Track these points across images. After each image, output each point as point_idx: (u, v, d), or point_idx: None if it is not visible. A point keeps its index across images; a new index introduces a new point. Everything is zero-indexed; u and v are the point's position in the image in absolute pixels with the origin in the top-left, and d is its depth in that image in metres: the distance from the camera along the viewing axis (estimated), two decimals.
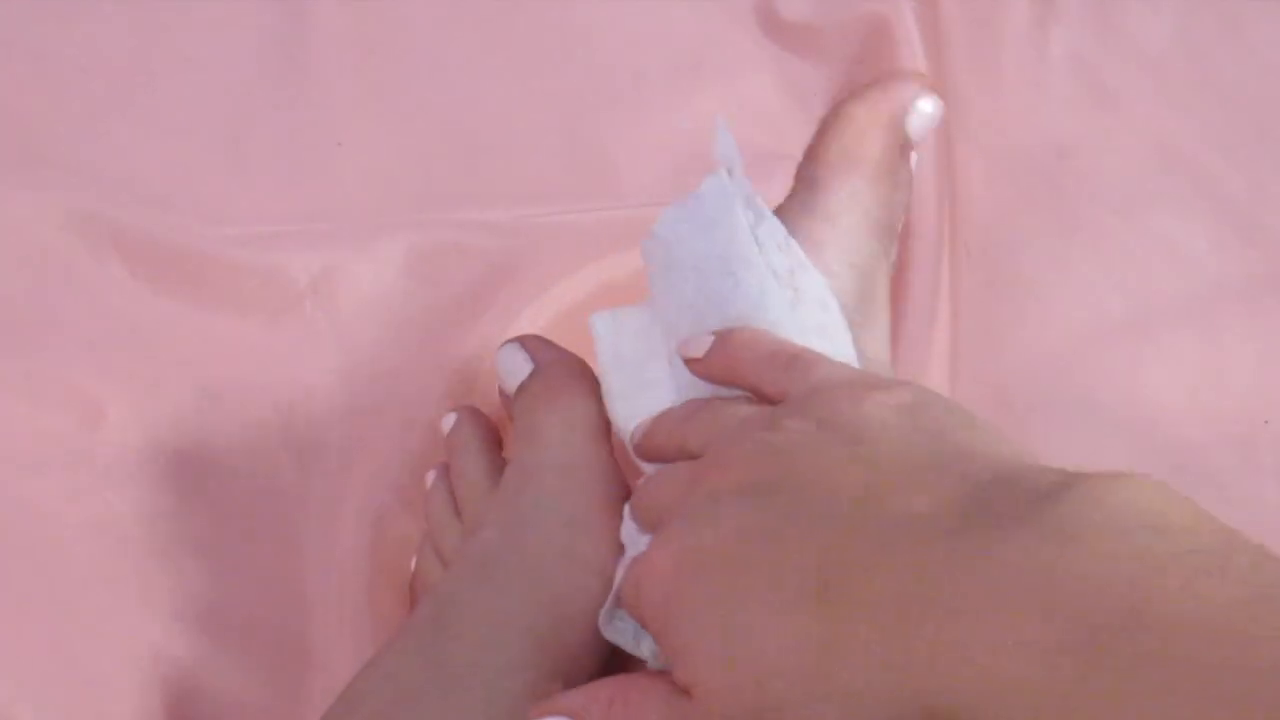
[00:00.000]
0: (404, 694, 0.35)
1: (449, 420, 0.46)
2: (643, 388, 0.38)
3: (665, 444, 0.36)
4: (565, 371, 0.42)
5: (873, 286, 0.38)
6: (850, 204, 0.38)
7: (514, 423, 0.42)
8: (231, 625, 0.47)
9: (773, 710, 0.26)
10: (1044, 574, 0.23)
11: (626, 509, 0.37)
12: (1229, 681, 0.20)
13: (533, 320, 0.51)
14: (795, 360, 0.34)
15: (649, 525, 0.35)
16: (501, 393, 0.44)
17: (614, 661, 0.39)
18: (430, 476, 0.46)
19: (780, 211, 0.39)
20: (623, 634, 0.36)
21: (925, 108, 0.39)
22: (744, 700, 0.26)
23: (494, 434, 0.45)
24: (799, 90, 0.59)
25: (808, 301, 0.36)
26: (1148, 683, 0.20)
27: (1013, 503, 0.25)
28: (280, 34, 0.59)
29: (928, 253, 0.53)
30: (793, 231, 0.38)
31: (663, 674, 0.30)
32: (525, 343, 0.43)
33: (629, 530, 0.37)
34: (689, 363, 0.36)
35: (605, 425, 0.41)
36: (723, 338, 0.35)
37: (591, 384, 0.42)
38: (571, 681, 0.36)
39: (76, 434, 0.49)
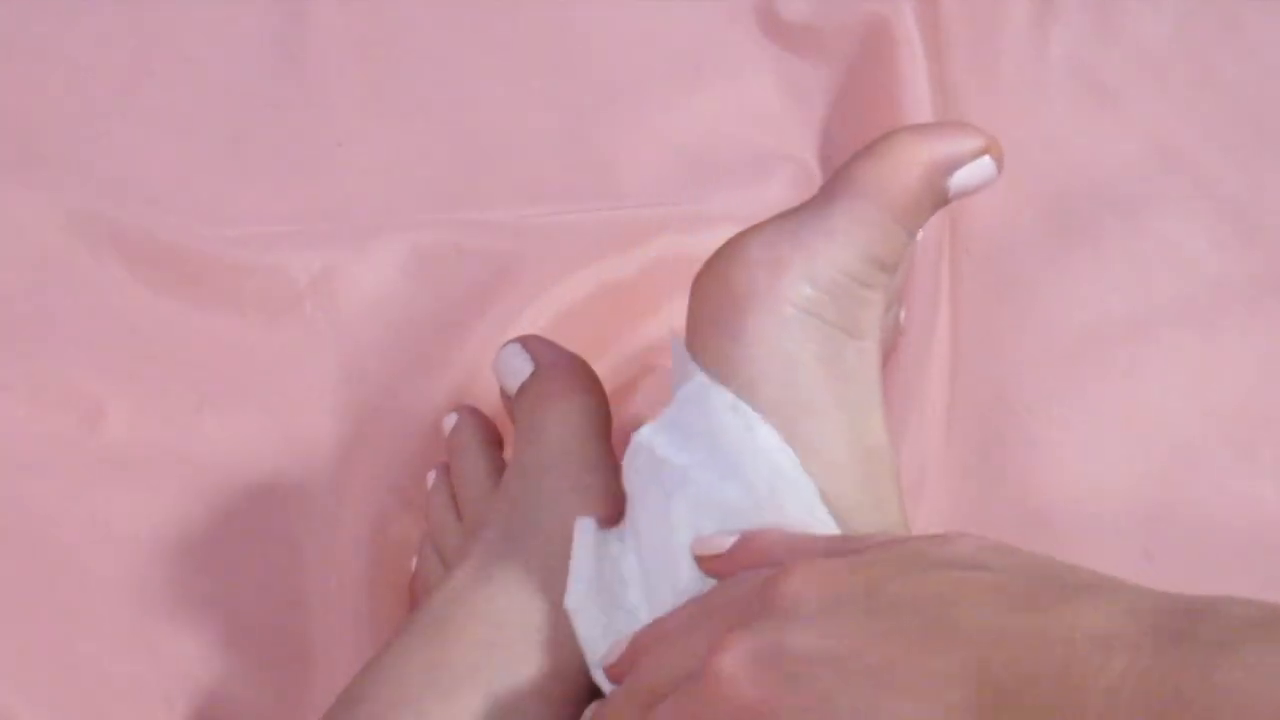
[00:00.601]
0: (404, 694, 0.35)
1: (450, 420, 0.45)
2: (616, 609, 0.36)
3: (669, 634, 0.33)
4: (566, 371, 0.42)
5: (858, 309, 0.37)
6: (854, 228, 0.36)
7: (515, 423, 0.42)
8: (231, 625, 0.47)
9: None
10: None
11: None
12: None
13: (533, 320, 0.51)
14: (835, 539, 0.33)
15: (661, 683, 0.31)
16: (503, 393, 0.44)
17: None
18: (431, 477, 0.46)
19: (787, 216, 0.38)
20: None
21: (981, 167, 0.37)
22: None
23: (495, 434, 0.45)
24: (799, 90, 0.59)
25: (813, 507, 0.35)
26: None
27: (1216, 630, 0.23)
28: (280, 34, 0.59)
29: (928, 254, 0.53)
30: (791, 236, 0.37)
31: None
32: (526, 343, 0.43)
33: None
34: (704, 561, 0.35)
35: (607, 424, 0.41)
36: (749, 536, 0.34)
37: (593, 383, 0.42)
38: (571, 681, 0.36)
39: (76, 434, 0.49)
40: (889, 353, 0.44)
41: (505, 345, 0.43)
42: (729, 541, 0.34)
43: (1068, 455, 0.51)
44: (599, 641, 0.36)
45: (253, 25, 0.59)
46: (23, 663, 0.45)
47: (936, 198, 0.37)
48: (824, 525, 0.35)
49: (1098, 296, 0.54)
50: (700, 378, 0.36)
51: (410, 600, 0.47)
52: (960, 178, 0.37)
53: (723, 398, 0.36)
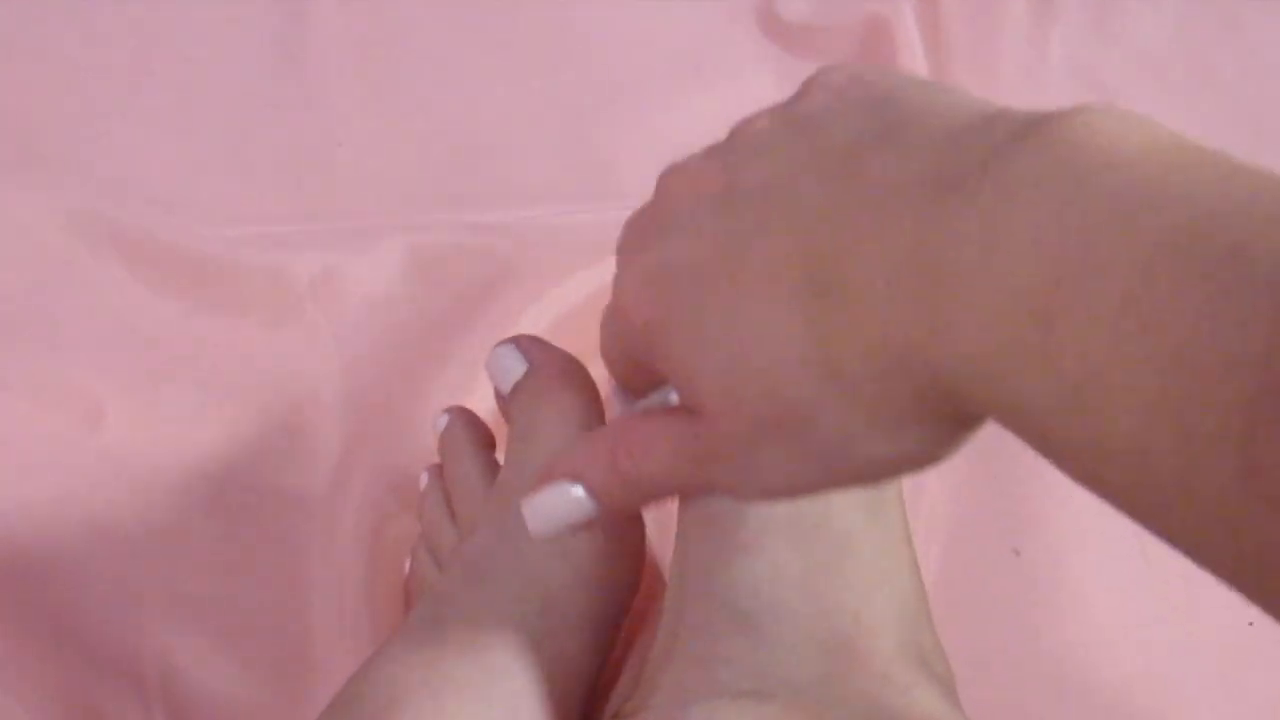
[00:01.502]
0: (399, 695, 0.35)
1: (441, 421, 0.45)
2: None
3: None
4: (560, 371, 0.41)
5: None
6: None
7: (509, 423, 0.42)
8: (231, 625, 0.47)
9: (786, 408, 0.26)
10: (1003, 229, 0.22)
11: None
12: None
13: (533, 321, 0.51)
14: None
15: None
16: (497, 393, 0.44)
17: (610, 661, 0.39)
18: (424, 478, 0.46)
19: None
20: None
21: None
22: (755, 405, 0.26)
23: (486, 434, 0.45)
24: None
25: None
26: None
27: (974, 161, 0.23)
28: (280, 34, 0.59)
29: None
30: None
31: (663, 409, 0.30)
32: (519, 343, 0.43)
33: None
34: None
35: (600, 423, 0.41)
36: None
37: (586, 382, 0.42)
38: (568, 681, 0.36)
39: (76, 434, 0.49)
40: None
41: (498, 345, 0.43)
42: None
43: None
44: None
45: (253, 25, 0.59)
46: (21, 663, 0.45)
47: None
48: None
49: None
50: None
51: (405, 601, 0.47)
52: None
53: None
